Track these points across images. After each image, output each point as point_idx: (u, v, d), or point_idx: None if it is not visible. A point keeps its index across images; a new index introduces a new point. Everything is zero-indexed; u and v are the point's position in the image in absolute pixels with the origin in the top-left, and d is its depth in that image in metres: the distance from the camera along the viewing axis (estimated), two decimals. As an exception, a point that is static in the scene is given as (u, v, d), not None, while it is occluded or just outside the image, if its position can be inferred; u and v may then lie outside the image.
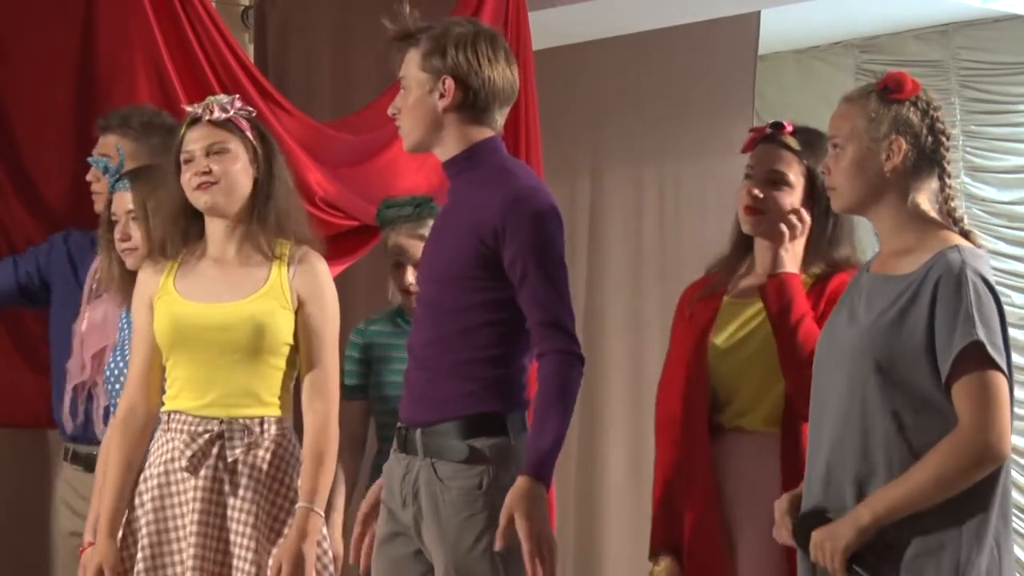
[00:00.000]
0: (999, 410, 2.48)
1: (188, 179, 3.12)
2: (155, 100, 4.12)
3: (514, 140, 4.84)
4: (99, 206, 3.63)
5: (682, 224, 5.36)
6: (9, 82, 4.06)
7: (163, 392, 3.18)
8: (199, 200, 3.13)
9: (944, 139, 2.59)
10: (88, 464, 3.58)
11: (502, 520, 2.72)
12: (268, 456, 3.10)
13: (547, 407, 2.77)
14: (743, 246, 3.21)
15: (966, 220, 2.64)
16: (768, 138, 3.14)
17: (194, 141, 3.14)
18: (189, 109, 3.19)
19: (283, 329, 3.12)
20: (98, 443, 3.52)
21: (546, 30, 5.03)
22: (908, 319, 2.52)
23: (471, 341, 2.81)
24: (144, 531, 3.10)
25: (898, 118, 2.58)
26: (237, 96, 3.21)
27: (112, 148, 3.63)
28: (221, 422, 3.09)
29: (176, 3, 4.18)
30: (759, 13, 5.35)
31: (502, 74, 2.87)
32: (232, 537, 3.07)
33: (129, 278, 3.38)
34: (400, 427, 2.89)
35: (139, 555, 3.09)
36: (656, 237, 5.48)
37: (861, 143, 2.60)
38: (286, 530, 3.08)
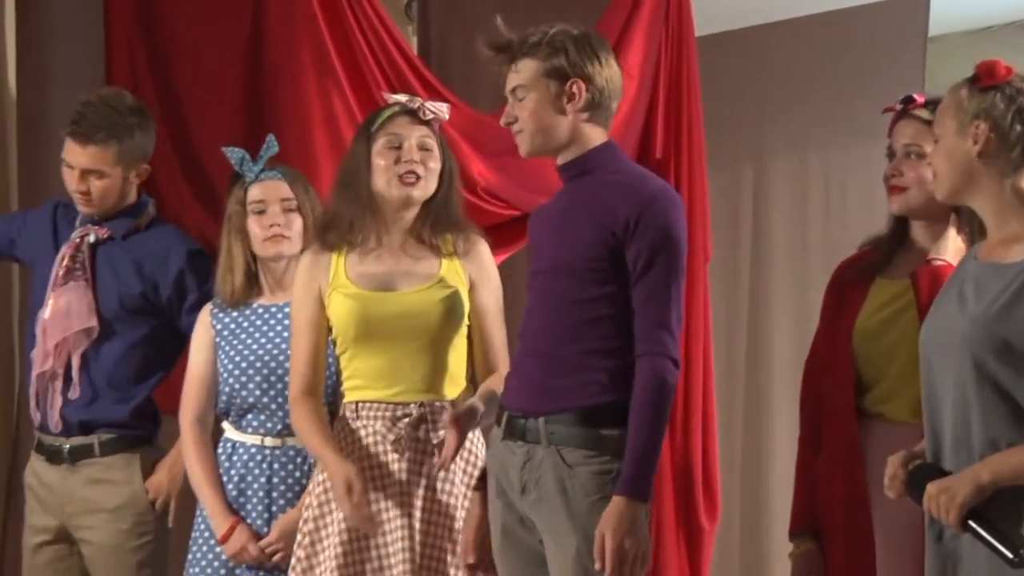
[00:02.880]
0: None
1: (389, 164, 3.17)
2: (321, 93, 4.25)
3: (676, 128, 4.86)
4: (90, 209, 3.57)
5: (848, 212, 5.31)
6: (183, 77, 4.22)
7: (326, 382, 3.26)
8: (401, 190, 3.18)
9: None
10: (50, 455, 3.61)
11: (596, 540, 2.79)
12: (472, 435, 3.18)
13: (645, 416, 2.81)
14: (899, 227, 3.23)
15: None
16: (903, 114, 3.19)
17: (407, 128, 3.21)
18: (394, 98, 3.27)
19: (464, 311, 3.21)
20: (71, 435, 3.55)
21: (709, 16, 5.02)
22: (1020, 306, 2.52)
23: (594, 332, 2.87)
24: (341, 520, 3.13)
25: (982, 105, 2.61)
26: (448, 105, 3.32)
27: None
28: (421, 405, 3.16)
29: (342, -2, 4.30)
30: (929, -6, 5.29)
31: (616, 72, 2.97)
32: (454, 517, 3.15)
33: (252, 276, 3.43)
34: (514, 415, 2.93)
35: (336, 541, 3.13)
36: (821, 225, 5.44)
37: (949, 132, 2.64)
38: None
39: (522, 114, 2.95)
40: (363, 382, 3.18)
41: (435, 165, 3.22)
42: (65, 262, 3.57)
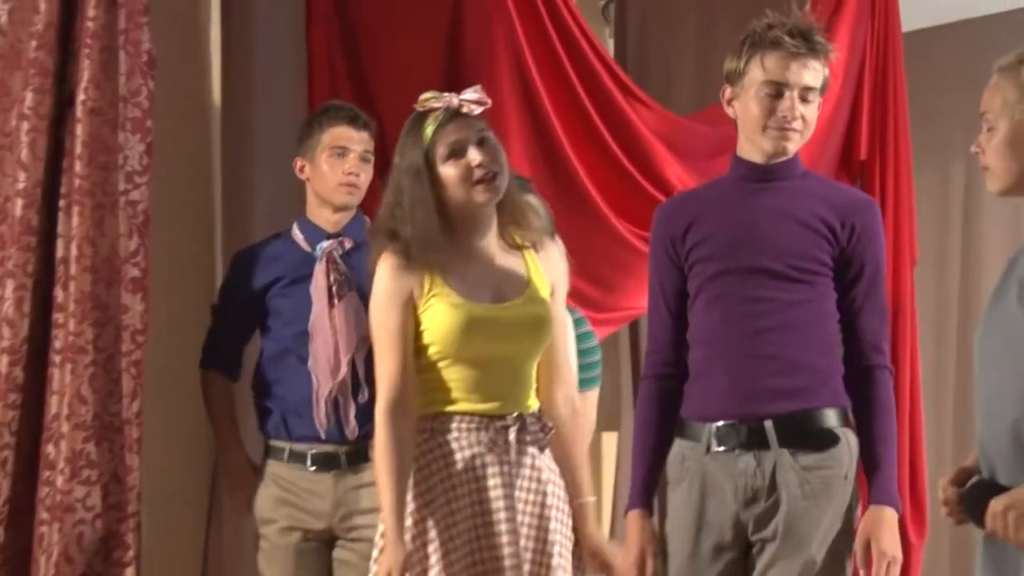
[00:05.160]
0: None
1: (461, 174, 3.05)
2: (516, 96, 4.30)
3: (882, 124, 4.88)
4: (355, 199, 3.78)
5: (1065, 208, 5.23)
6: (380, 82, 4.29)
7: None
8: (480, 195, 3.06)
9: None
10: (320, 463, 3.70)
11: (861, 545, 2.91)
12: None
13: (892, 430, 2.96)
14: None
15: None
16: None
17: (462, 130, 3.08)
18: (426, 100, 3.14)
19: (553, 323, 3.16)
20: (346, 442, 3.66)
21: (917, 10, 4.97)
22: None
23: (811, 333, 2.94)
24: (452, 534, 3.07)
25: None
26: (479, 86, 3.20)
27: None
28: (517, 417, 3.10)
29: (538, 0, 4.33)
30: None
31: None
32: (553, 525, 3.10)
33: None
34: (730, 423, 2.94)
35: (458, 555, 3.06)
36: (1035, 222, 5.35)
37: (1012, 118, 2.39)
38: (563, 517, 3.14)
39: (811, 115, 3.01)
40: (458, 394, 3.10)
41: (503, 156, 3.11)
42: (332, 276, 3.73)
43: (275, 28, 4.27)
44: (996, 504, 2.33)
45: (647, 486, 3.06)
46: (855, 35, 4.77)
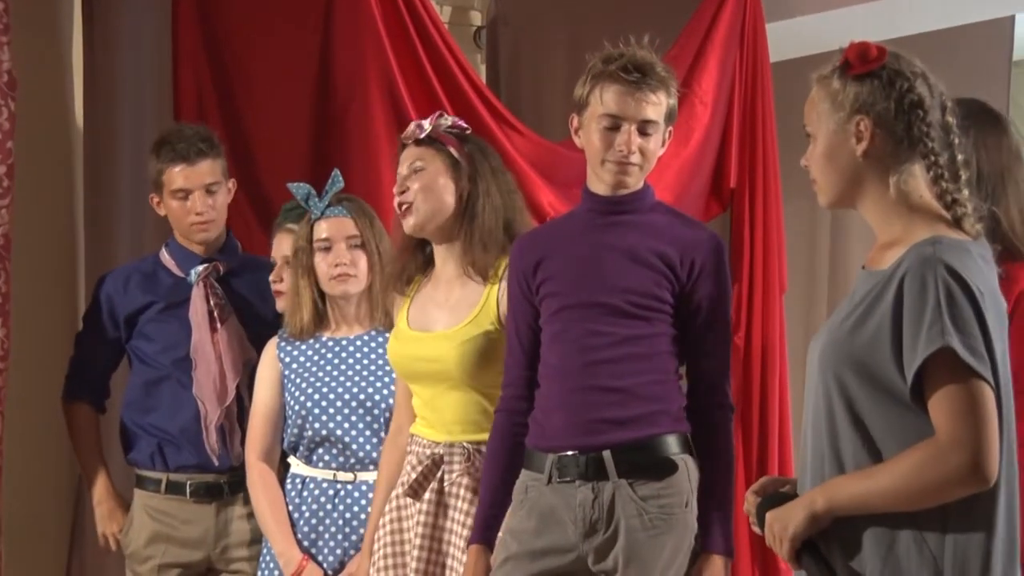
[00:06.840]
0: (981, 424, 2.16)
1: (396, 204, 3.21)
2: (388, 121, 4.29)
3: (751, 152, 4.87)
4: (212, 233, 3.71)
5: (929, 240, 5.28)
6: (251, 110, 4.26)
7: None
8: (405, 225, 3.18)
9: (921, 112, 2.30)
10: (200, 493, 3.65)
11: None
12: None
13: (729, 473, 2.94)
14: None
15: (966, 205, 2.32)
16: None
17: (401, 163, 3.21)
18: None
19: (496, 350, 3.12)
20: (227, 470, 3.62)
21: (784, 41, 5.01)
22: (870, 321, 2.24)
23: (649, 366, 2.91)
24: (380, 552, 3.22)
25: (859, 96, 2.31)
26: (439, 113, 3.24)
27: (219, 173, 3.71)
28: (449, 446, 3.15)
29: (409, 26, 4.35)
30: (1013, 17, 5.22)
31: None
32: (449, 562, 3.12)
33: (321, 309, 3.46)
34: (567, 455, 2.91)
35: (372, 570, 3.23)
36: (901, 253, 5.42)
37: (827, 129, 2.35)
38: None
39: (651, 148, 2.97)
40: (418, 415, 3.24)
41: (432, 181, 3.15)
42: (212, 300, 3.68)
43: (139, 50, 4.21)
44: (769, 517, 2.32)
45: (490, 521, 3.02)
46: (724, 64, 4.81)
